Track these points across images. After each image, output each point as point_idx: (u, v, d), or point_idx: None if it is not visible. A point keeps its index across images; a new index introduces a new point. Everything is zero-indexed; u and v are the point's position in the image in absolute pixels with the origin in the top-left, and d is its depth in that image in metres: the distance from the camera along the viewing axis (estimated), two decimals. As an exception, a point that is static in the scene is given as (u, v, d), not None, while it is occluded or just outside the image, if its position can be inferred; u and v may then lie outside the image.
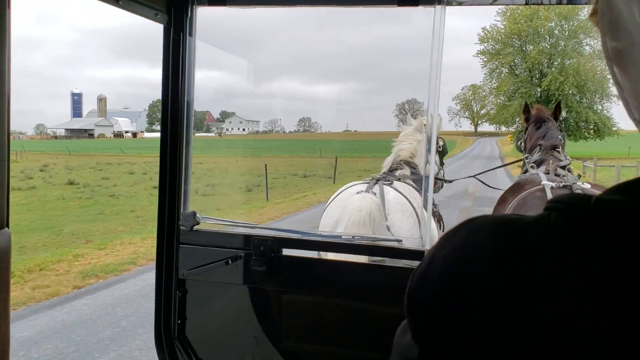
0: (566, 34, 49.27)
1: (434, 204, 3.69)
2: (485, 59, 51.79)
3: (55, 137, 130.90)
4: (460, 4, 1.99)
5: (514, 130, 47.86)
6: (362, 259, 2.30)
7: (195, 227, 2.29)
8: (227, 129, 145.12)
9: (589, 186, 3.25)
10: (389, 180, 3.96)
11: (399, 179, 4.09)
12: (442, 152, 4.79)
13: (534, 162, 3.94)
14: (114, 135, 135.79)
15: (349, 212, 3.49)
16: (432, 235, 2.94)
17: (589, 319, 0.42)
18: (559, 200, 0.49)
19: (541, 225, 0.48)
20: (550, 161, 3.79)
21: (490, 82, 53.03)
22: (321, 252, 2.50)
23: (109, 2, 1.78)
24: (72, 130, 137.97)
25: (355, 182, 4.04)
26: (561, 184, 3.25)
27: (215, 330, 2.37)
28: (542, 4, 2.14)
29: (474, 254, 0.50)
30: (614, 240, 0.44)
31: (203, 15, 2.25)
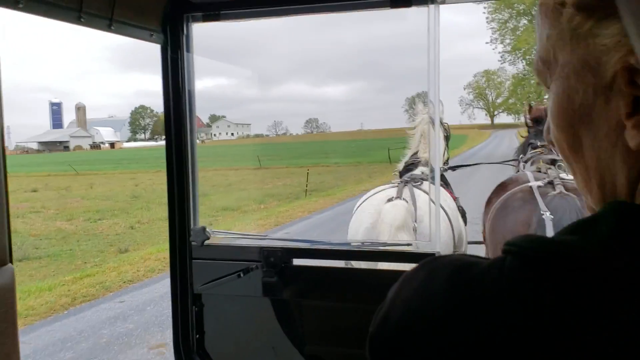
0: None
1: (455, 197, 4.33)
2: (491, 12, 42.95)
3: (27, 152, 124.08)
4: (455, 2, 2.07)
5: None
6: (375, 265, 2.49)
7: (206, 242, 2.37)
8: (214, 134, 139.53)
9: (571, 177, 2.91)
10: (418, 182, 4.06)
11: (424, 178, 4.19)
12: (446, 138, 4.87)
13: (524, 162, 4.34)
14: (91, 147, 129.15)
15: (387, 224, 3.57)
16: (459, 232, 3.98)
17: None
18: (513, 244, 0.51)
19: (495, 271, 0.50)
20: (540, 160, 4.07)
21: (503, 42, 44.40)
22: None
23: (102, 29, 1.86)
24: (45, 143, 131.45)
25: (383, 186, 4.19)
26: (546, 181, 3.39)
27: (233, 343, 2.47)
28: None
29: (429, 302, 0.52)
30: (567, 281, 0.45)
31: (201, 27, 2.33)
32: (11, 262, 1.40)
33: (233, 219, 14.17)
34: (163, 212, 16.19)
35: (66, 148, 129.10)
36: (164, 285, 7.84)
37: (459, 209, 4.25)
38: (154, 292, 7.74)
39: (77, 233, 12.93)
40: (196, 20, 2.27)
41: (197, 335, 2.42)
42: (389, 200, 3.81)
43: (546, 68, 0.57)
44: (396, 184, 4.10)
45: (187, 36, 2.28)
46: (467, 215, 4.59)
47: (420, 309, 0.52)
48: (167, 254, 9.62)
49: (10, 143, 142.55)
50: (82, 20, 1.71)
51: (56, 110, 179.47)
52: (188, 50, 2.28)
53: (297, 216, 13.55)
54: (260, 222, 12.94)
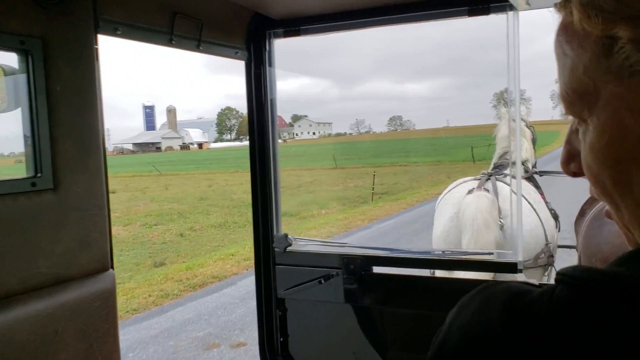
0: None
1: (546, 201, 4.19)
2: None
3: (122, 153, 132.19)
4: (533, 6, 2.00)
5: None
6: (453, 273, 2.58)
7: (288, 249, 2.47)
8: (296, 134, 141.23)
9: None
10: (502, 175, 4.07)
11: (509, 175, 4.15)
12: (533, 140, 4.87)
13: None
14: (181, 148, 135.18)
15: (470, 216, 3.57)
16: (551, 232, 3.86)
17: None
18: (564, 273, 0.53)
19: (545, 299, 0.52)
20: None
21: None
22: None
23: (191, 49, 2.00)
24: (139, 145, 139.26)
25: (465, 179, 4.21)
26: None
27: (316, 347, 2.54)
28: None
29: (484, 328, 0.55)
30: (615, 312, 0.47)
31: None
32: (112, 267, 1.58)
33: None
34: (220, 217, 15.86)
35: (158, 149, 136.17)
36: (168, 320, 6.88)
37: (550, 212, 4.13)
38: (149, 329, 6.65)
39: (126, 241, 12.71)
40: (277, 36, 2.39)
41: (281, 339, 2.54)
42: (470, 192, 3.82)
43: (581, 100, 0.55)
44: (478, 178, 4.08)
45: (269, 51, 2.40)
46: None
47: (476, 335, 0.54)
48: (198, 271, 8.87)
49: (109, 145, 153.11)
50: (173, 42, 1.87)
51: (149, 113, 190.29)
52: (270, 65, 2.41)
53: (355, 225, 12.38)
54: (308, 233, 11.80)
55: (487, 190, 3.78)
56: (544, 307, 0.51)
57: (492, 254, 2.42)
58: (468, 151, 33.55)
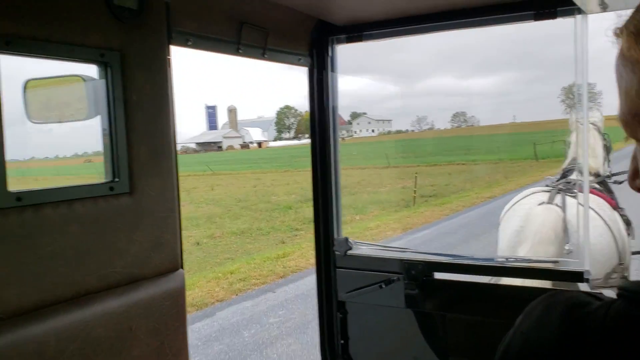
0: None
1: (619, 207, 4.12)
2: None
3: (186, 152, 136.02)
4: (603, 9, 1.97)
5: None
6: (517, 281, 2.40)
7: (349, 252, 2.53)
8: (354, 132, 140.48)
9: None
10: (572, 193, 3.92)
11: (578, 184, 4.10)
12: (606, 148, 4.82)
13: None
14: (241, 147, 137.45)
15: (534, 228, 3.56)
16: (622, 243, 3.76)
17: None
18: (624, 288, 0.56)
19: (602, 311, 0.55)
20: None
21: None
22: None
23: (256, 57, 2.09)
24: (201, 144, 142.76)
25: (535, 189, 4.15)
26: None
27: (376, 350, 2.56)
28: None
29: (543, 337, 0.59)
30: None
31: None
32: (182, 267, 1.68)
33: (301, 239, 12.10)
34: (247, 222, 15.16)
35: (219, 148, 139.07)
36: None
37: (623, 219, 4.06)
38: None
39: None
40: (340, 42, 2.47)
41: (342, 341, 2.60)
42: (540, 204, 3.81)
43: (634, 120, 0.58)
44: (548, 189, 4.06)
45: (332, 57, 2.48)
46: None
47: (536, 341, 0.59)
48: (197, 293, 7.95)
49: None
50: (240, 51, 1.98)
51: (211, 113, 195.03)
52: (333, 70, 2.49)
53: (385, 236, 11.19)
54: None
55: (557, 205, 3.76)
56: (600, 320, 0.53)
57: (557, 262, 2.41)
58: (531, 148, 31.35)
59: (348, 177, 25.96)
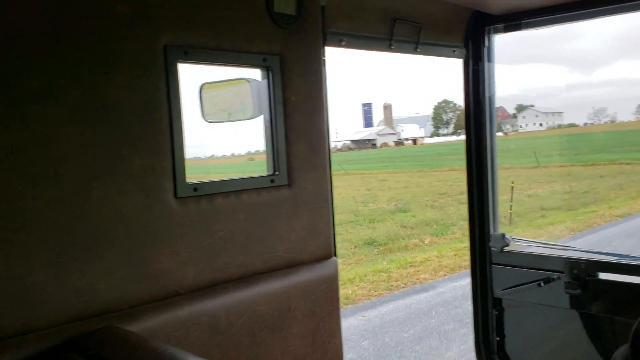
0: None
1: None
2: None
3: (341, 150, 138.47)
4: None
5: None
6: None
7: (505, 248, 2.52)
8: (520, 125, 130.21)
9: None
10: None
11: None
12: None
13: None
14: (396, 144, 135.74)
15: None
16: None
17: None
18: None
19: None
20: None
21: None
22: None
23: (409, 52, 2.14)
24: (356, 142, 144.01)
25: None
26: None
27: (534, 350, 2.53)
28: None
29: None
30: None
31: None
32: (335, 255, 1.85)
33: (346, 265, 9.78)
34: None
35: (374, 145, 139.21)
36: None
37: None
38: None
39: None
40: (497, 31, 2.44)
41: (498, 338, 2.58)
42: None
43: None
44: None
45: (489, 48, 2.47)
46: None
47: None
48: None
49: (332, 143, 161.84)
50: (392, 47, 2.05)
51: (367, 111, 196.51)
52: (490, 60, 2.48)
53: (455, 271, 8.47)
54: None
55: None
56: None
57: None
58: None
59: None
